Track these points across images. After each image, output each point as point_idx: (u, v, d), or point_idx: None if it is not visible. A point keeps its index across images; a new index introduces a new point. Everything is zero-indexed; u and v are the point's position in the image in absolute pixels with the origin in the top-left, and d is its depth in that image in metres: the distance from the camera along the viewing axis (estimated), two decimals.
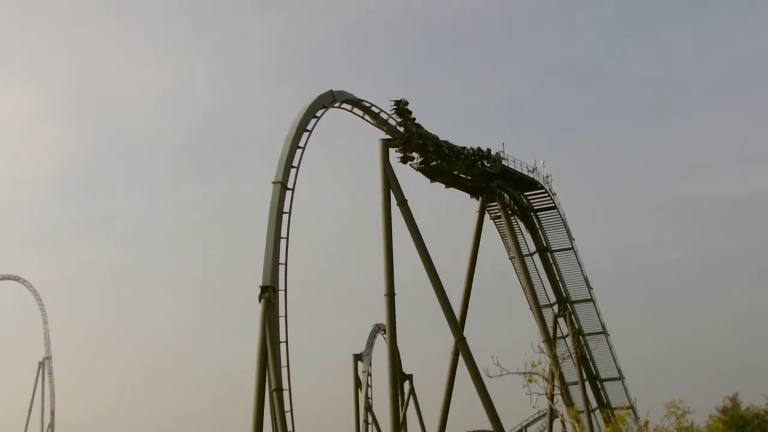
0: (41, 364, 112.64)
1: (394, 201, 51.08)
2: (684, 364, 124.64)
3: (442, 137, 54.90)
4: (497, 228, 61.88)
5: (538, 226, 62.60)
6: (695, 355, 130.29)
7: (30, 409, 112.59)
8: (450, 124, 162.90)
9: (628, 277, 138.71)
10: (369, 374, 70.43)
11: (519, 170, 59.22)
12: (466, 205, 60.10)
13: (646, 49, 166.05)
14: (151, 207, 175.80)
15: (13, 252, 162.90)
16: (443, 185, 58.17)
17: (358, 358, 72.36)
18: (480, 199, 59.18)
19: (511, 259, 62.01)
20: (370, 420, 67.62)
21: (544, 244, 62.76)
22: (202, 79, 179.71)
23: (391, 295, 49.63)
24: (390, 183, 51.19)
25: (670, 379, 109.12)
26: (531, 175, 60.21)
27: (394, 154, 52.93)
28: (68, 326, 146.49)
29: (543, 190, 61.26)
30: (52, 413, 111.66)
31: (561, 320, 63.40)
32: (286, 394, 42.78)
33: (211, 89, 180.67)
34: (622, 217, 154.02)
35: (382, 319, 52.97)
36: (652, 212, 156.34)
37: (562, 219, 62.30)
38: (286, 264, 44.92)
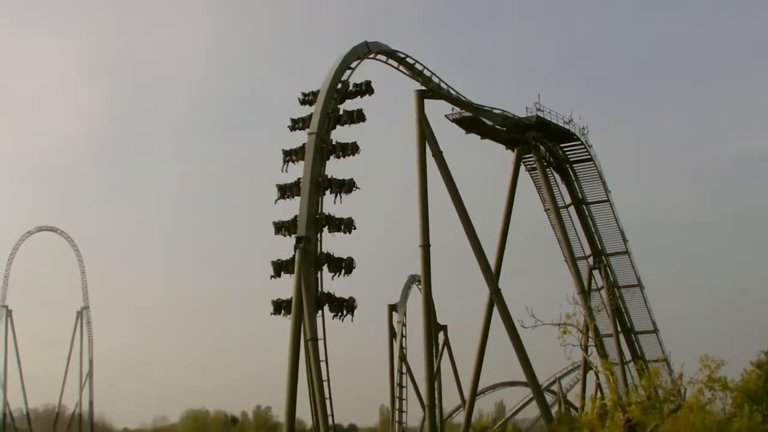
0: (79, 314, 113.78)
1: (429, 152, 51.03)
2: (719, 320, 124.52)
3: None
4: (533, 180, 61.61)
5: (573, 178, 62.16)
6: (731, 311, 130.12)
7: (69, 358, 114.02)
8: (486, 81, 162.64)
9: (666, 233, 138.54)
10: (404, 325, 70.75)
11: (555, 122, 58.75)
12: (502, 156, 59.95)
13: (685, 9, 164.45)
14: (188, 163, 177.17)
15: (52, 207, 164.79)
16: (478, 137, 58.00)
17: (393, 308, 72.65)
18: (516, 150, 58.94)
19: (546, 211, 61.75)
20: (404, 370, 68.03)
21: (580, 197, 62.35)
22: (238, 34, 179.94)
23: (426, 246, 49.75)
24: (425, 134, 51.12)
25: (705, 334, 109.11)
26: (567, 126, 59.69)
27: (430, 105, 52.78)
28: (105, 279, 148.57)
29: (579, 142, 60.70)
30: (91, 362, 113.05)
31: (596, 272, 63.18)
32: (321, 343, 43.12)
33: (248, 44, 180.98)
34: (662, 173, 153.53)
35: (417, 270, 53.08)
36: (691, 170, 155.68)
37: (598, 171, 61.81)
38: (321, 215, 45.11)
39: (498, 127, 57.34)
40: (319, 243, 44.97)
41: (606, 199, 62.47)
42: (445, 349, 74.13)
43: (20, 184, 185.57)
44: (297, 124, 47.86)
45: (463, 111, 55.84)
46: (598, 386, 59.13)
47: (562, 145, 61.01)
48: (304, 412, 48.62)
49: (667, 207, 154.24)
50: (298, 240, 43.75)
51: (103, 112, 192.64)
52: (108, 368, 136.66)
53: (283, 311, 44.60)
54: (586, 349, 35.23)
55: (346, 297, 44.39)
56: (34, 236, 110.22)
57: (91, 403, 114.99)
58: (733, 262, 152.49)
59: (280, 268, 45.23)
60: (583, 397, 61.32)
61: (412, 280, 72.82)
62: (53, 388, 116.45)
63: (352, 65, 48.83)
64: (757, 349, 59.23)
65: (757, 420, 27.82)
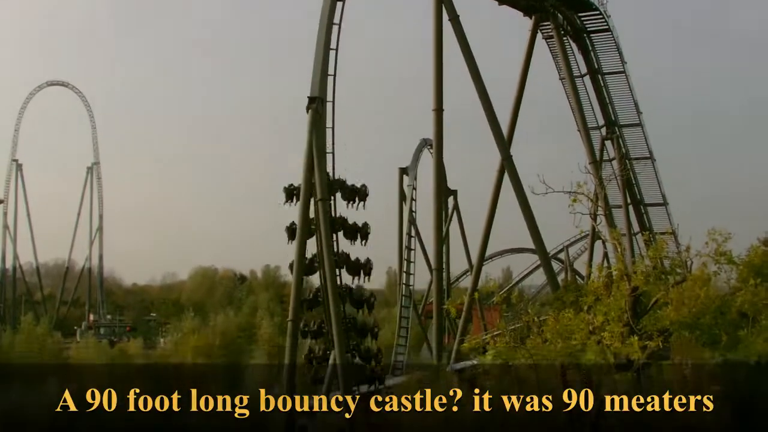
0: (90, 170, 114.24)
1: (445, 17, 50.52)
2: (731, 198, 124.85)
3: None
4: (549, 48, 60.99)
5: (590, 48, 61.63)
6: (743, 191, 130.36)
7: (79, 214, 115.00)
8: None
9: (682, 111, 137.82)
10: (414, 188, 70.79)
11: None
12: (519, 23, 59.25)
13: None
14: (199, 23, 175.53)
15: (67, 63, 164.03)
16: (496, 2, 57.27)
17: (403, 171, 72.76)
18: (533, 18, 58.20)
19: (561, 80, 61.40)
20: (413, 233, 68.39)
21: (596, 66, 61.93)
22: None
23: (439, 110, 49.66)
24: None
25: (715, 211, 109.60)
26: None
27: None
28: (116, 137, 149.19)
29: (597, 12, 59.99)
30: (101, 217, 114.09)
31: (608, 143, 63.19)
32: (331, 205, 43.44)
33: None
34: (687, 52, 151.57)
35: (430, 134, 53.03)
36: (717, 51, 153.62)
37: (615, 42, 61.24)
38: (334, 75, 44.87)
39: None
40: (332, 115, 44.86)
41: (622, 70, 62.11)
42: (455, 214, 74.56)
43: (31, 37, 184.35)
44: None
45: None
46: (605, 256, 59.54)
47: (580, 14, 60.28)
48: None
49: (685, 86, 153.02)
50: (310, 100, 43.63)
51: None
52: (118, 226, 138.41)
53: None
54: (595, 218, 35.28)
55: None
56: (44, 91, 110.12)
57: (100, 258, 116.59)
58: (748, 144, 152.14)
59: None
60: (590, 266, 62.07)
61: (424, 144, 72.65)
62: (63, 243, 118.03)
63: None
64: (765, 228, 59.58)
65: (761, 295, 28.00)
